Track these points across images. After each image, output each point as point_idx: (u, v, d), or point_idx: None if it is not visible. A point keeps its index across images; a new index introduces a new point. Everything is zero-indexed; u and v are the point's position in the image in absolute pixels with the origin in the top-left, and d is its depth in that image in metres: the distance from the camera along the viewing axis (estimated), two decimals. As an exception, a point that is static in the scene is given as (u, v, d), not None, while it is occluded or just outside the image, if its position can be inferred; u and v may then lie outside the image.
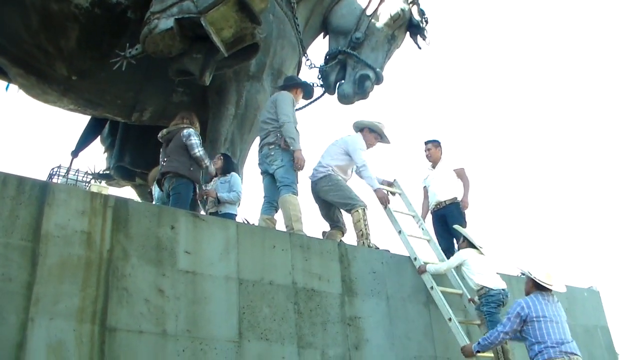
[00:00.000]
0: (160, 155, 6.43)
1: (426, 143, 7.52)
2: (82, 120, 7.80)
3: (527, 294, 5.21)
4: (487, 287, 5.88)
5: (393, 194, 7.06)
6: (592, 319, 7.93)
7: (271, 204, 6.36)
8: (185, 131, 6.14)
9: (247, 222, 6.51)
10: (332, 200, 6.68)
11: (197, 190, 6.32)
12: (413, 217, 7.03)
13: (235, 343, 4.57)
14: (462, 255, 6.16)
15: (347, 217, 6.74)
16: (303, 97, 7.07)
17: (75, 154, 7.51)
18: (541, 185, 54.00)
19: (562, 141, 54.84)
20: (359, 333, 5.36)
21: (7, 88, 7.21)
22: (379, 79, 8.30)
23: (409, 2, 8.63)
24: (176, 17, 5.51)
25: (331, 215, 6.84)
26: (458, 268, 6.20)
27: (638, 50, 52.91)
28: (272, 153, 6.28)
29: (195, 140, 6.11)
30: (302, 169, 6.24)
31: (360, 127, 7.10)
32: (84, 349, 3.89)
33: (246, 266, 4.92)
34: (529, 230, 48.18)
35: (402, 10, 8.42)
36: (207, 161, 6.17)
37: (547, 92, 56.98)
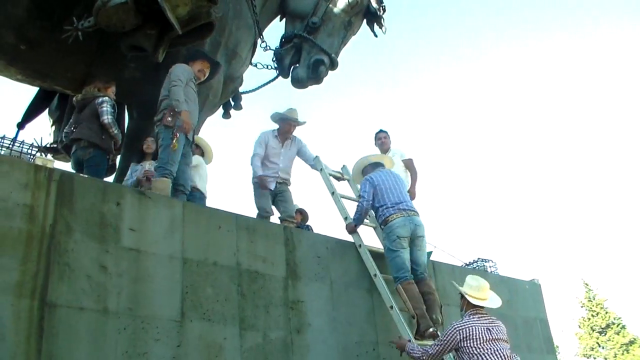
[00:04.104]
0: (71, 120, 6.41)
1: (380, 132, 7.69)
2: (29, 91, 7.62)
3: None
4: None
5: (340, 180, 7.26)
6: (532, 311, 8.16)
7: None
8: (100, 98, 6.17)
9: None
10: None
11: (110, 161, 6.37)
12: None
13: (177, 322, 4.57)
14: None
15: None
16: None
17: (21, 125, 7.33)
18: (491, 180, 55.03)
19: (511, 134, 55.91)
20: (302, 317, 5.42)
21: None
22: (333, 65, 8.33)
23: (367, -11, 8.66)
24: (131, -9, 5.42)
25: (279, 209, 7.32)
26: None
27: (623, 48, 54.08)
28: (157, 131, 5.96)
29: (107, 107, 6.13)
30: (187, 132, 5.83)
31: (275, 120, 7.52)
32: (22, 324, 3.83)
33: (191, 245, 4.92)
34: (477, 223, 49.15)
35: (360, -3, 8.44)
36: (114, 129, 6.17)
37: (494, 83, 57.91)
